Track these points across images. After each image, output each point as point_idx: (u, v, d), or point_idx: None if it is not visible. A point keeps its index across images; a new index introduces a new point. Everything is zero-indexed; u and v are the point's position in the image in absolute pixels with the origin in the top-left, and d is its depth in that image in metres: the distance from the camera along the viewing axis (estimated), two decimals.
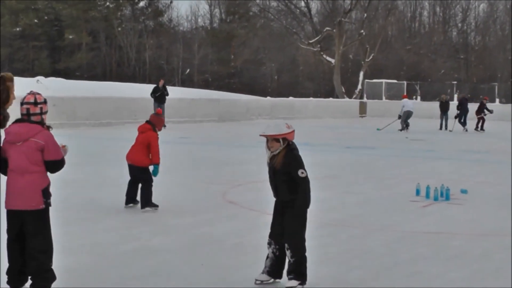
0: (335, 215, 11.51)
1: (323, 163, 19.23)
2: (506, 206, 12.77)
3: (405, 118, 36.98)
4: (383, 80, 60.76)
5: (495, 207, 12.71)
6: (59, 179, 6.67)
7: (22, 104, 6.59)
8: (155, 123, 11.71)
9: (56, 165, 6.53)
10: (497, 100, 55.72)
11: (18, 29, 79.64)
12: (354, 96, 65.18)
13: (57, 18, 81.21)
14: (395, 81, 62.56)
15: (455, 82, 63.00)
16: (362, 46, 70.69)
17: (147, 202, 11.35)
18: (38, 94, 6.69)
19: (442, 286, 7.46)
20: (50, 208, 6.56)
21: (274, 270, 7.30)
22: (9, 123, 6.61)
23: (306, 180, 7.16)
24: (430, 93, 59.05)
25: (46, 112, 6.70)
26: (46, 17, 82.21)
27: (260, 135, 7.12)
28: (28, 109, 6.57)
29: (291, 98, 50.20)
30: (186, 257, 8.49)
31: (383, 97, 57.68)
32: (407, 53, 79.21)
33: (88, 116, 31.58)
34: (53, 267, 6.52)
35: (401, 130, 35.95)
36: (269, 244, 7.35)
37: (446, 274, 7.97)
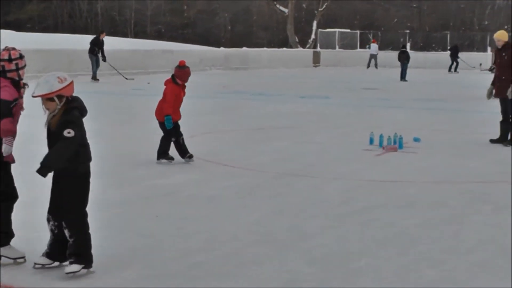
0: (291, 165, 11.51)
1: (278, 113, 19.23)
2: (460, 153, 12.90)
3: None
4: (337, 30, 60.74)
5: (448, 154, 12.82)
6: None
7: None
8: (176, 75, 11.53)
9: None
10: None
11: None
12: (307, 46, 65.16)
13: None
14: (348, 30, 62.57)
15: (408, 31, 63.15)
16: None
17: (160, 154, 11.52)
18: (13, 49, 6.42)
19: (397, 233, 7.51)
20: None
21: (54, 251, 6.17)
22: None
23: (69, 140, 5.87)
24: (384, 42, 59.13)
25: (22, 67, 6.40)
26: None
27: (32, 96, 6.01)
28: (3, 66, 6.34)
29: (244, 48, 49.93)
30: (140, 209, 8.43)
31: (337, 47, 57.73)
32: (361, 2, 79.10)
33: (40, 68, 30.99)
34: None
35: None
36: (48, 220, 6.19)
37: (401, 221, 8.02)
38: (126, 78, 31.62)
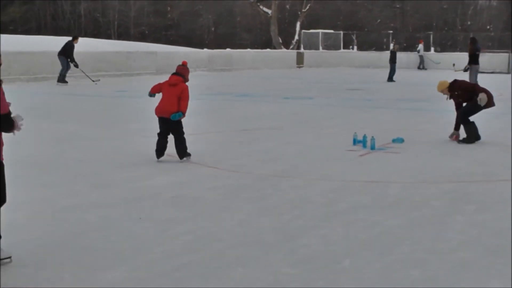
0: (275, 166, 11.52)
1: (261, 115, 19.23)
2: (443, 153, 12.96)
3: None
4: (320, 31, 60.74)
5: (431, 155, 12.88)
6: None
7: None
8: (184, 73, 11.73)
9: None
10: (432, 48, 56.23)
11: None
12: (291, 47, 65.21)
13: None
14: (331, 31, 62.60)
15: (391, 32, 63.28)
16: None
17: (184, 152, 11.67)
18: None
19: (381, 233, 7.54)
20: None
21: None
22: None
23: None
24: (367, 42, 59.28)
25: None
26: None
27: None
28: None
29: (228, 49, 49.87)
30: (125, 211, 8.42)
31: (320, 47, 57.75)
32: (344, 3, 79.25)
33: (23, 71, 30.98)
34: None
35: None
36: None
37: (384, 221, 8.05)
38: (93, 81, 30.90)
